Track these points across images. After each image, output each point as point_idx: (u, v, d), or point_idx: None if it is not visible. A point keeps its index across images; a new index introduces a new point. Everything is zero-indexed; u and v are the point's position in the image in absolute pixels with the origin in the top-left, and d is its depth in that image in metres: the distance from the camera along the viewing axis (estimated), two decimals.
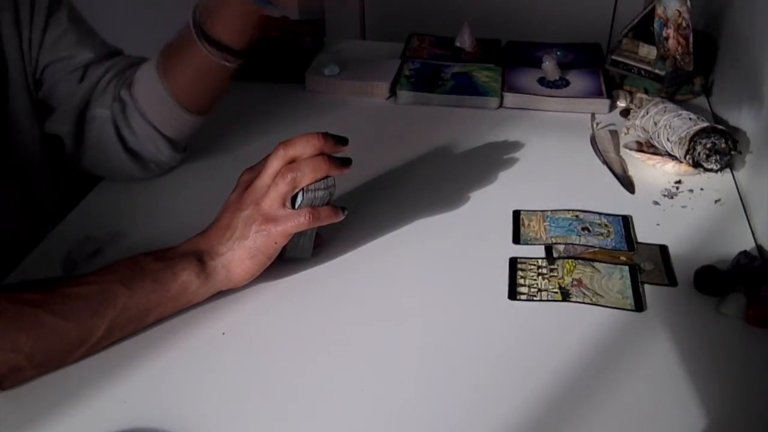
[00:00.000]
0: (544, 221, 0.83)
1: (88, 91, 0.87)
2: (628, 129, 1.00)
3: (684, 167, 0.91)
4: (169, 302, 0.67)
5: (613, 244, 0.79)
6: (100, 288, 0.64)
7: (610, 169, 0.93)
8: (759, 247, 0.79)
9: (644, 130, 0.97)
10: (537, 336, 0.68)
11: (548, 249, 0.79)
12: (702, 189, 0.89)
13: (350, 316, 0.71)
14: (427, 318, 0.70)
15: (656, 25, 1.05)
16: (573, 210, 0.85)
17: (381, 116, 1.09)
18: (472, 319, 0.70)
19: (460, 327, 0.69)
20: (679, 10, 1.02)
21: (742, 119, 0.95)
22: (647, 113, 0.96)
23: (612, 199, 0.87)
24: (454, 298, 0.73)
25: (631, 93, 1.10)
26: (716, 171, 0.89)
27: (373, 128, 1.06)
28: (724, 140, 0.88)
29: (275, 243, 0.69)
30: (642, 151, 0.96)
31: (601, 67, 1.16)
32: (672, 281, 0.74)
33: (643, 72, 1.09)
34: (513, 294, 0.73)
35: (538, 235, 0.81)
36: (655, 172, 0.93)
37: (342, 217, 0.72)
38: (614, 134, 1.01)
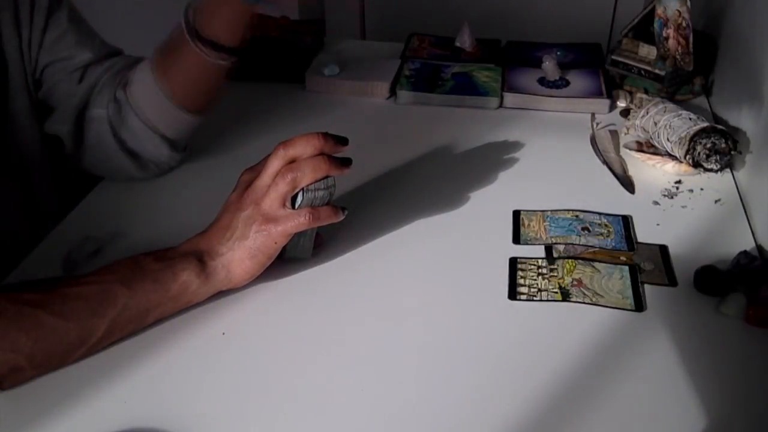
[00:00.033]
0: (544, 221, 0.83)
1: (87, 92, 0.87)
2: (628, 129, 1.00)
3: (684, 167, 0.91)
4: (169, 302, 0.67)
5: (613, 244, 0.79)
6: (100, 288, 0.64)
7: (610, 169, 0.93)
8: (759, 247, 0.79)
9: (644, 130, 0.97)
10: (537, 336, 0.68)
11: (548, 249, 0.79)
12: (702, 189, 0.89)
13: (350, 316, 0.71)
14: (427, 318, 0.70)
15: (656, 25, 1.05)
16: (573, 210, 0.85)
17: (381, 116, 1.09)
18: (472, 319, 0.70)
19: (460, 327, 0.69)
20: (679, 10, 1.02)
21: (742, 119, 0.95)
22: (647, 113, 0.96)
23: (612, 199, 0.87)
24: (454, 298, 0.73)
25: (631, 93, 1.10)
26: (716, 171, 0.89)
27: (373, 128, 1.06)
28: (724, 140, 0.88)
29: (275, 243, 0.69)
30: (642, 151, 0.96)
31: (601, 67, 1.16)
32: (672, 281, 0.74)
33: (643, 72, 1.09)
34: (513, 294, 0.73)
35: (538, 235, 0.81)
36: (655, 172, 0.93)
37: (342, 217, 0.72)
38: (614, 134, 1.01)
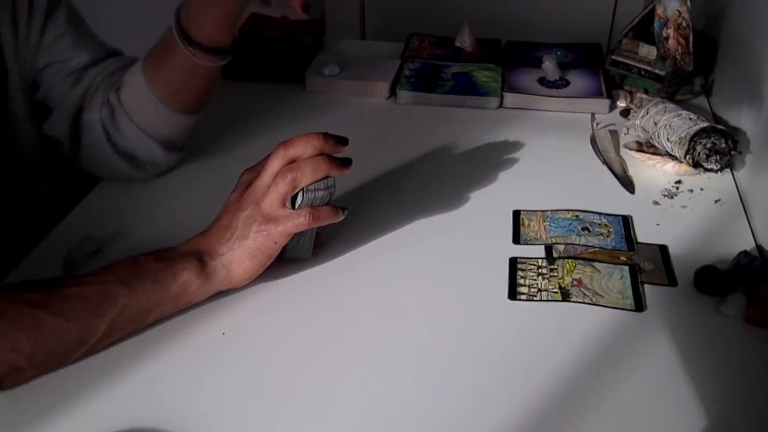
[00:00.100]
0: (544, 221, 0.83)
1: (82, 95, 0.87)
2: (628, 129, 1.00)
3: (684, 167, 0.91)
4: (169, 302, 0.67)
5: (613, 244, 0.79)
6: (100, 288, 0.64)
7: (610, 169, 0.93)
8: (759, 247, 0.79)
9: (644, 130, 0.97)
10: (537, 336, 0.68)
11: (548, 249, 0.79)
12: (702, 189, 0.89)
13: (350, 316, 0.71)
14: (427, 318, 0.71)
15: (656, 25, 1.05)
16: (573, 210, 0.85)
17: (381, 116, 1.09)
18: (472, 319, 0.70)
19: (460, 327, 0.69)
20: (679, 10, 1.02)
21: (742, 119, 0.95)
22: (647, 113, 0.96)
23: (612, 199, 0.87)
24: (454, 298, 0.73)
25: (631, 93, 1.10)
26: (716, 171, 0.89)
27: (373, 128, 1.06)
28: (724, 140, 0.88)
29: (275, 243, 0.69)
30: (642, 151, 0.96)
31: (601, 67, 1.16)
32: (672, 281, 0.74)
33: (643, 72, 1.09)
34: (513, 294, 0.73)
35: (538, 235, 0.81)
36: (655, 172, 0.93)
37: (342, 217, 0.72)
38: (614, 134, 1.01)
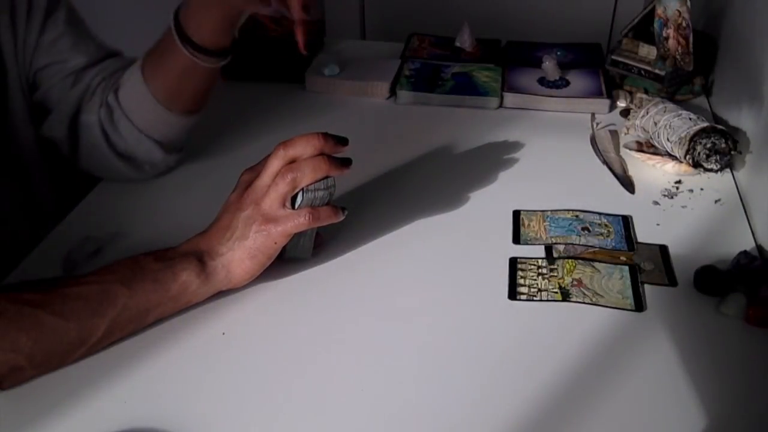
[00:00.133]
0: (544, 221, 0.83)
1: (80, 97, 0.87)
2: (628, 129, 1.00)
3: (684, 167, 0.91)
4: (169, 302, 0.67)
5: (613, 244, 0.79)
6: (100, 288, 0.64)
7: (610, 169, 0.93)
8: (759, 247, 0.79)
9: (644, 130, 0.97)
10: (537, 336, 0.68)
11: (548, 249, 0.79)
12: (702, 189, 0.89)
13: (350, 316, 0.71)
14: (427, 318, 0.70)
15: (656, 25, 1.05)
16: (573, 210, 0.85)
17: (381, 116, 1.09)
18: (472, 319, 0.70)
19: (460, 327, 0.69)
20: (679, 10, 1.02)
21: (742, 119, 0.95)
22: (647, 113, 0.96)
23: (612, 199, 0.87)
24: (454, 298, 0.73)
25: (631, 93, 1.10)
26: (716, 171, 0.89)
27: (373, 128, 1.06)
28: (724, 140, 0.88)
29: (275, 243, 0.69)
30: (642, 151, 0.96)
31: (601, 67, 1.16)
32: (672, 281, 0.74)
33: (643, 72, 1.09)
34: (513, 294, 0.73)
35: (538, 235, 0.81)
36: (655, 172, 0.93)
37: (342, 218, 0.72)
38: (614, 134, 1.01)
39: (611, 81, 1.13)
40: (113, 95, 0.87)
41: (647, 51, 1.09)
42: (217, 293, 0.70)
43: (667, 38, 1.05)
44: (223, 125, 1.03)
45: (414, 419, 0.60)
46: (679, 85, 1.09)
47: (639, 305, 0.71)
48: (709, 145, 0.88)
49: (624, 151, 0.97)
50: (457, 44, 1.24)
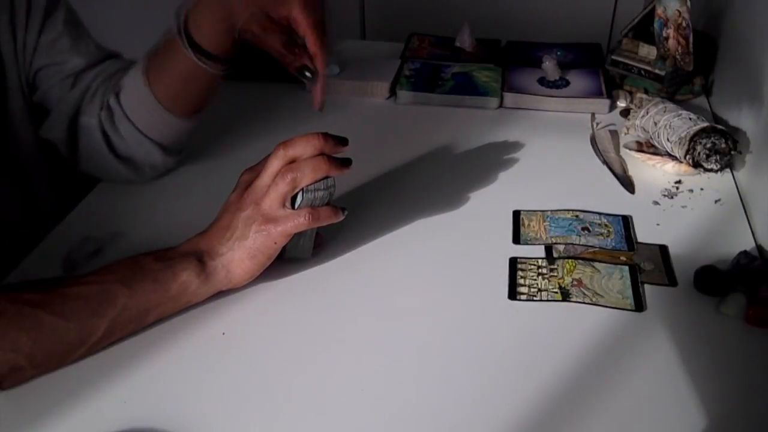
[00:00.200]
0: (544, 221, 0.83)
1: (79, 99, 0.87)
2: (628, 129, 1.00)
3: (684, 167, 0.91)
4: (169, 302, 0.67)
5: (613, 244, 0.79)
6: (100, 288, 0.64)
7: (610, 169, 0.93)
8: (759, 247, 0.79)
9: (644, 130, 0.97)
10: (537, 336, 0.68)
11: (548, 249, 0.79)
12: (702, 189, 0.89)
13: (350, 316, 0.71)
14: (427, 318, 0.70)
15: (656, 25, 1.05)
16: (573, 210, 0.85)
17: (381, 116, 1.09)
18: (472, 319, 0.70)
19: (460, 327, 0.69)
20: (679, 10, 1.02)
21: (742, 119, 0.95)
22: (647, 113, 0.96)
23: (612, 199, 0.87)
24: (454, 298, 0.73)
25: (631, 93, 1.10)
26: (716, 171, 0.89)
27: (373, 128, 1.06)
28: (724, 140, 0.88)
29: (275, 243, 0.69)
30: (642, 151, 0.96)
31: (601, 67, 1.16)
32: (672, 281, 0.74)
33: (643, 72, 1.09)
34: (513, 294, 0.73)
35: (538, 235, 0.81)
36: (655, 172, 0.93)
37: (342, 218, 0.72)
38: (614, 134, 1.01)
39: (611, 81, 1.13)
40: (114, 97, 0.86)
41: (647, 51, 1.09)
42: (217, 293, 0.70)
43: (667, 38, 1.05)
44: (222, 125, 1.03)
45: (414, 419, 0.60)
46: (679, 85, 1.09)
47: (639, 305, 0.71)
48: (709, 145, 0.88)
49: (624, 151, 0.97)
50: (457, 44, 1.24)
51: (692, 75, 1.09)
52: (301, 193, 0.69)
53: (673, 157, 0.92)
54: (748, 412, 0.61)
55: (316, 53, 0.78)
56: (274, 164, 0.69)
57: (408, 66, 1.18)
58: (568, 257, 0.77)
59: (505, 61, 1.20)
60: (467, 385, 0.63)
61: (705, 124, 0.90)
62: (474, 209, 0.86)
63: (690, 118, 0.92)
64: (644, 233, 0.81)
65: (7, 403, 0.61)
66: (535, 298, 0.72)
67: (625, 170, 0.94)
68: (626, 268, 0.76)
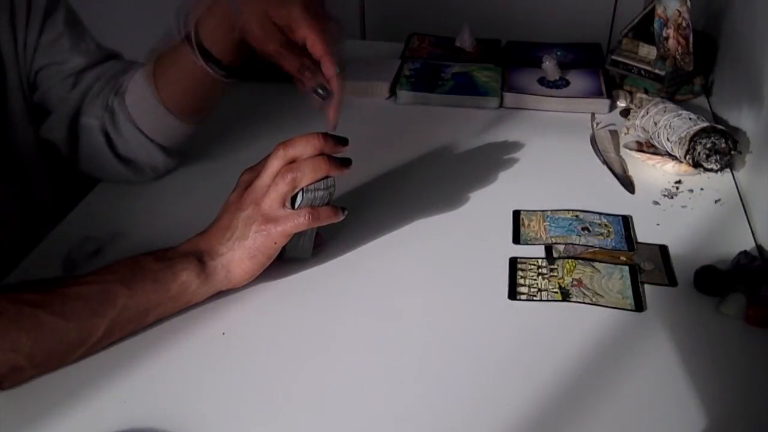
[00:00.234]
0: (544, 221, 0.83)
1: (80, 99, 0.87)
2: (628, 129, 1.00)
3: (684, 167, 0.91)
4: (169, 302, 0.67)
5: (613, 244, 0.79)
6: (100, 288, 0.64)
7: (610, 169, 0.93)
8: (759, 247, 0.79)
9: (644, 130, 0.97)
10: (537, 336, 0.68)
11: (548, 249, 0.79)
12: (702, 189, 0.89)
13: (350, 316, 0.71)
14: (428, 318, 0.70)
15: (656, 25, 1.05)
16: (573, 210, 0.85)
17: (381, 116, 1.09)
18: (472, 318, 0.70)
19: (460, 327, 0.69)
20: (679, 10, 1.02)
21: (742, 119, 0.95)
22: (647, 113, 0.96)
23: (612, 199, 0.87)
24: (454, 298, 0.73)
25: (631, 93, 1.10)
26: (716, 171, 0.89)
27: (373, 128, 1.06)
28: (724, 140, 0.88)
29: (275, 243, 0.69)
30: (642, 151, 0.96)
31: (601, 67, 1.16)
32: (672, 281, 0.74)
33: (643, 72, 1.09)
34: (513, 294, 0.73)
35: (538, 235, 0.81)
36: (655, 172, 0.93)
37: (342, 218, 0.72)
38: (614, 134, 1.01)
39: (611, 81, 1.13)
40: (119, 99, 0.86)
41: (647, 51, 1.09)
42: (217, 293, 0.70)
43: (667, 38, 1.05)
44: (223, 125, 1.02)
45: (414, 419, 0.60)
46: (679, 85, 1.09)
47: (639, 305, 0.71)
48: (709, 145, 0.88)
49: (624, 151, 0.97)
50: (457, 44, 1.24)
51: (692, 75, 1.09)
52: (301, 193, 0.69)
53: (673, 157, 0.92)
54: (748, 412, 0.61)
55: (333, 77, 0.77)
56: (274, 164, 0.69)
57: (408, 66, 1.18)
58: (568, 257, 0.77)
59: (505, 61, 1.20)
60: (467, 385, 0.63)
61: (705, 124, 0.90)
62: (474, 209, 0.86)
63: (690, 118, 0.92)
64: (644, 233, 0.81)
65: (7, 403, 0.61)
66: (535, 298, 0.72)
67: (625, 170, 0.94)
68: (626, 268, 0.76)
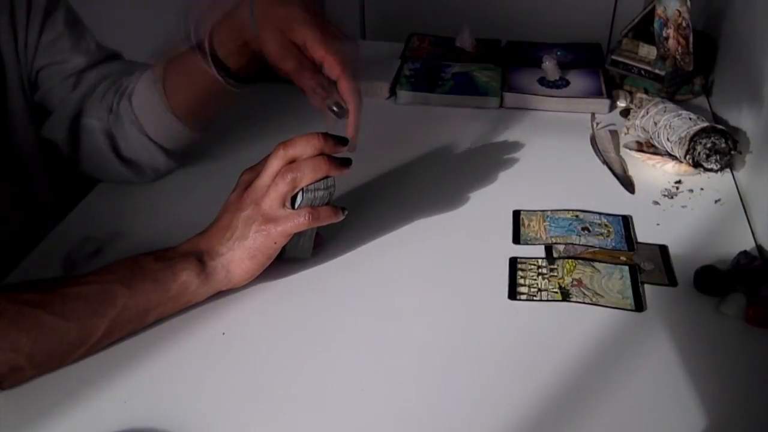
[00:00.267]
0: (544, 221, 0.83)
1: (81, 99, 0.87)
2: (628, 129, 1.00)
3: (684, 167, 0.91)
4: (169, 302, 0.67)
5: (613, 244, 0.79)
6: (100, 288, 0.64)
7: (610, 169, 0.93)
8: (759, 247, 0.79)
9: (644, 130, 0.97)
10: (537, 336, 0.68)
11: (548, 249, 0.79)
12: (702, 189, 0.89)
13: (350, 316, 0.71)
14: (427, 318, 0.70)
15: (656, 25, 1.05)
16: (573, 210, 0.85)
17: (381, 116, 1.09)
18: (472, 319, 0.70)
19: (460, 327, 0.69)
20: (679, 10, 1.02)
21: (742, 119, 0.95)
22: (647, 113, 0.96)
23: (612, 199, 0.87)
24: (454, 297, 0.73)
25: (631, 93, 1.10)
26: (716, 171, 0.89)
27: (373, 128, 1.05)
28: (724, 140, 0.88)
29: (275, 243, 0.69)
30: (642, 151, 0.96)
31: (601, 67, 1.16)
32: (672, 281, 0.74)
33: (643, 72, 1.09)
34: (513, 294, 0.73)
35: (538, 235, 0.81)
36: (655, 172, 0.93)
37: (342, 217, 0.72)
38: (614, 134, 1.01)
39: (611, 81, 1.13)
40: (126, 102, 0.86)
41: (647, 51, 1.09)
42: (217, 293, 0.70)
43: (667, 38, 1.05)
44: (223, 125, 1.02)
45: (414, 419, 0.60)
46: (679, 85, 1.09)
47: (639, 305, 0.71)
48: (709, 145, 0.88)
49: (624, 151, 0.97)
50: (457, 44, 1.24)
51: (692, 75, 1.09)
52: (301, 193, 0.69)
53: (673, 157, 0.92)
54: (748, 412, 0.61)
55: (351, 99, 0.77)
56: (274, 164, 0.69)
57: (408, 66, 1.18)
58: (568, 257, 0.77)
59: (505, 61, 1.20)
60: (467, 385, 0.63)
61: (705, 124, 0.90)
62: (474, 209, 0.86)
63: (690, 118, 0.92)
64: (644, 233, 0.81)
65: (7, 403, 0.61)
66: (535, 298, 0.72)
67: (625, 170, 0.94)
68: (626, 268, 0.76)
